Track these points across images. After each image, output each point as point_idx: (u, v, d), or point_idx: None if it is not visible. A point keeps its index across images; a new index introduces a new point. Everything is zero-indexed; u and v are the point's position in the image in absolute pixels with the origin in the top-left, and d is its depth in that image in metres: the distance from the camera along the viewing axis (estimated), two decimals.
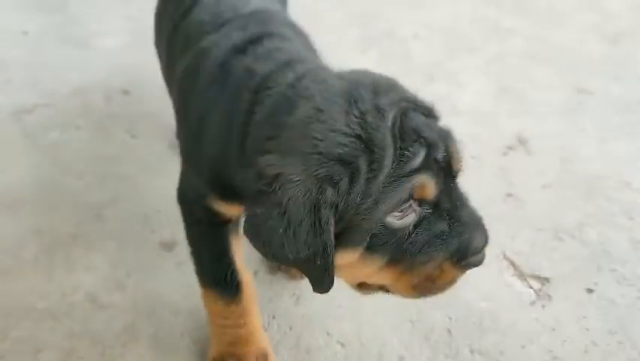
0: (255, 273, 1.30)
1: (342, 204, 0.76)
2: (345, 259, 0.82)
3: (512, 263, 1.34)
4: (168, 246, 1.39)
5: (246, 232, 0.82)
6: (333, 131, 0.77)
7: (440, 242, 0.82)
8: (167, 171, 1.56)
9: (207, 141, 0.97)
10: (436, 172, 0.80)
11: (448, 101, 1.85)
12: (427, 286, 0.85)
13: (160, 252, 1.37)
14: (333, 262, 0.78)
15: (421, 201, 0.80)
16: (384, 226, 0.79)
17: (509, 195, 1.53)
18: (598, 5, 2.53)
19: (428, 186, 0.79)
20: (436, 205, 0.81)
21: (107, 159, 1.63)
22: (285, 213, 0.76)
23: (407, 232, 0.81)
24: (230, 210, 1.02)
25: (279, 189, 0.76)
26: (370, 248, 0.81)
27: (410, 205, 0.79)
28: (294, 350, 1.17)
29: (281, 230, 0.76)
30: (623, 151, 1.68)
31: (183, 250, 1.31)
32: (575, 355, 1.16)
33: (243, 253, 1.10)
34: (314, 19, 2.13)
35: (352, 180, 0.75)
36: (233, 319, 1.10)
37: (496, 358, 1.15)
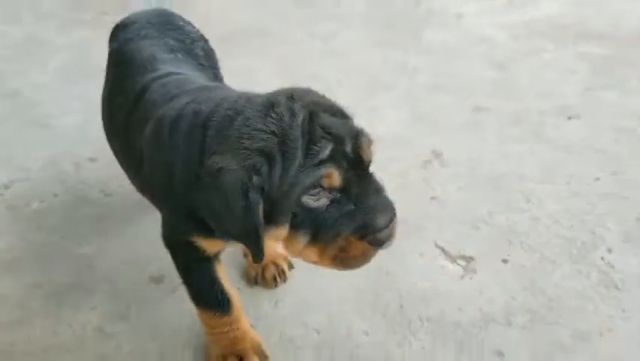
0: (238, 288, 1.55)
1: (267, 186, 0.98)
2: (277, 235, 1.04)
3: (443, 250, 1.66)
4: (157, 279, 1.62)
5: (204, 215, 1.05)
6: (255, 130, 0.99)
7: (347, 220, 1.02)
8: (143, 219, 1.80)
9: (177, 181, 1.12)
10: (342, 163, 1.00)
11: (370, 130, 2.18)
12: (344, 258, 1.05)
13: (151, 285, 1.60)
14: (262, 237, 1.00)
15: (331, 188, 1.01)
16: (302, 206, 1.00)
17: (433, 198, 1.86)
18: (484, 38, 2.99)
19: (334, 175, 0.99)
20: (345, 190, 1.02)
21: (88, 218, 1.85)
22: (225, 198, 0.98)
23: (321, 212, 1.02)
24: (210, 246, 1.23)
25: (220, 179, 0.98)
26: (294, 227, 1.03)
27: (322, 190, 1.00)
28: (279, 342, 1.42)
29: (224, 212, 1.00)
30: (517, 153, 2.06)
31: (172, 280, 1.56)
32: (499, 309, 1.47)
33: (226, 275, 1.34)
34: (249, 74, 2.46)
35: (271, 167, 0.97)
36: (227, 326, 1.34)
37: (439, 320, 1.45)
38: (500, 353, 1.36)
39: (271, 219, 1.01)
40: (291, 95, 1.04)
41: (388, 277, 1.57)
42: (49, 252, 1.73)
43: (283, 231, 1.03)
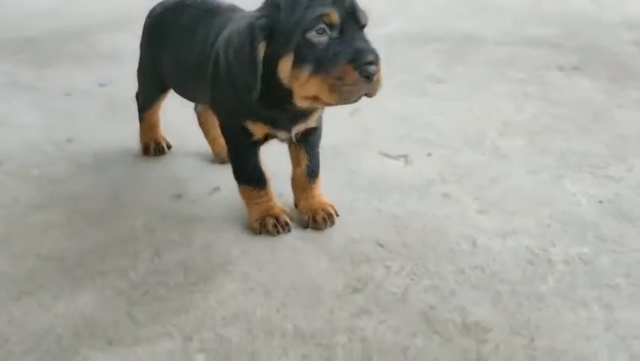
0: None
1: (277, 26, 1.40)
2: (284, 66, 1.41)
3: (386, 155, 2.28)
4: (178, 195, 2.01)
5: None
6: None
7: (343, 53, 1.36)
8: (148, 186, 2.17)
9: (233, 77, 1.57)
10: (341, 10, 1.38)
11: None
12: (339, 87, 1.37)
13: (175, 202, 1.98)
14: (259, 69, 1.42)
15: (331, 27, 1.38)
16: (306, 41, 1.37)
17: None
18: None
19: (333, 14, 1.37)
20: (341, 34, 1.39)
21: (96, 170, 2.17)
22: (239, 41, 1.46)
23: (322, 47, 1.37)
24: (257, 129, 1.66)
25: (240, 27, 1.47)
26: (299, 59, 1.39)
27: (323, 29, 1.37)
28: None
29: (238, 51, 1.47)
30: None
31: (191, 196, 1.97)
32: (424, 180, 2.11)
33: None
34: None
35: (279, 10, 1.41)
36: (262, 198, 1.80)
37: (395, 200, 2.04)
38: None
39: (280, 53, 1.42)
40: None
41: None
42: (73, 196, 2.01)
43: (289, 60, 1.41)
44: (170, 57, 1.96)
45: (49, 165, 2.21)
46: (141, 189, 2.04)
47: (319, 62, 1.40)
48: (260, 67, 1.44)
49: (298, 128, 1.71)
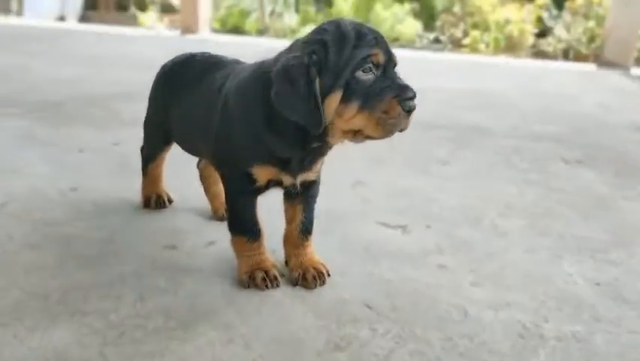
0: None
1: (326, 63, 1.44)
2: (332, 101, 1.46)
3: (385, 224, 2.28)
4: (172, 246, 2.00)
5: (275, 103, 1.49)
6: (312, 35, 1.51)
7: (389, 89, 1.46)
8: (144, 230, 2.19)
9: (248, 119, 1.62)
10: (384, 50, 1.48)
11: None
12: (385, 120, 1.46)
13: (167, 252, 1.97)
14: (320, 106, 1.45)
15: (377, 66, 1.47)
16: (355, 79, 1.44)
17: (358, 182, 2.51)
18: None
19: (379, 53, 1.47)
20: (384, 73, 1.48)
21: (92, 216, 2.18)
22: (290, 78, 1.45)
23: (369, 84, 1.46)
24: (263, 174, 1.66)
25: (287, 65, 1.47)
26: (347, 96, 1.45)
27: (370, 68, 1.45)
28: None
29: (291, 91, 1.45)
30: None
31: (185, 248, 1.97)
32: (420, 250, 2.09)
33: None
34: None
35: (327, 51, 1.45)
36: (255, 250, 1.79)
37: (389, 266, 2.02)
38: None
39: (328, 91, 1.46)
40: (338, 18, 1.58)
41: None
42: (68, 239, 2.02)
43: (337, 96, 1.46)
44: (175, 110, 2.02)
45: (50, 210, 2.24)
46: (136, 238, 2.04)
47: (367, 98, 1.47)
48: (320, 101, 1.47)
49: (304, 177, 1.73)
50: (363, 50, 1.47)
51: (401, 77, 1.54)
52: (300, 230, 1.83)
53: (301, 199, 1.82)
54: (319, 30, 1.54)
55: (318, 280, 1.77)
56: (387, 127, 1.49)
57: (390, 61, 1.52)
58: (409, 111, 1.48)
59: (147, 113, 2.21)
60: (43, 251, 1.91)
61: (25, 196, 2.35)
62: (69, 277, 1.77)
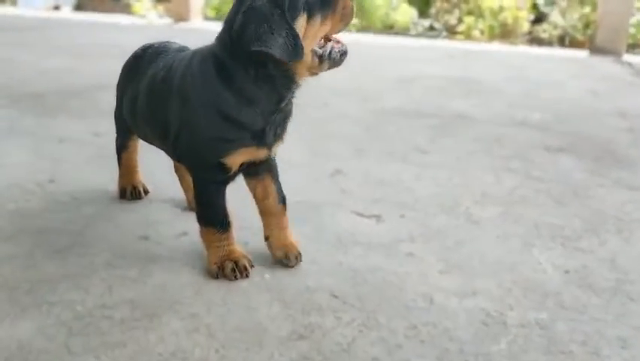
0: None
1: (286, 2, 1.52)
2: (301, 24, 1.55)
3: (359, 214, 2.29)
4: (145, 237, 2.01)
5: (251, 44, 1.53)
6: None
7: None
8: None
9: (215, 104, 1.64)
10: None
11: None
12: (345, 12, 1.61)
13: (140, 243, 1.99)
14: (298, 33, 1.53)
15: None
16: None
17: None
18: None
19: None
20: None
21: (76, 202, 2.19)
22: (264, 15, 1.52)
23: None
24: (237, 160, 1.69)
25: (256, 5, 1.53)
26: (309, 13, 1.56)
27: None
28: None
29: (268, 25, 1.51)
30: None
31: (157, 239, 1.98)
32: (392, 239, 2.10)
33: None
34: None
35: None
36: (224, 241, 1.80)
37: (358, 255, 2.04)
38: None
39: (294, 18, 1.55)
40: None
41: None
42: (41, 230, 2.03)
43: (304, 18, 1.56)
44: (127, 101, 2.06)
45: (26, 202, 2.25)
46: (109, 229, 2.06)
47: (323, 6, 1.60)
48: (295, 28, 1.55)
49: (276, 146, 1.77)
50: None
51: None
52: (278, 200, 1.88)
53: (267, 169, 1.84)
54: None
55: (299, 258, 1.86)
56: (347, 18, 1.63)
57: None
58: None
59: (116, 104, 2.22)
60: (15, 243, 1.92)
61: (2, 187, 2.36)
62: (39, 268, 1.78)
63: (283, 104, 1.69)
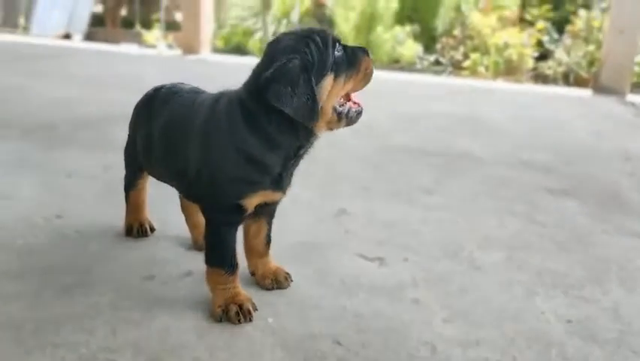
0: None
1: (313, 60, 1.65)
2: (326, 84, 1.67)
3: (363, 256, 2.30)
4: (150, 277, 2.03)
5: (272, 100, 1.62)
6: (295, 41, 1.70)
7: (357, 51, 1.76)
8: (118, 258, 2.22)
9: (243, 148, 1.71)
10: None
11: None
12: (367, 72, 1.76)
13: (145, 283, 2.00)
14: (317, 98, 1.63)
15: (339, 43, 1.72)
16: (335, 60, 1.69)
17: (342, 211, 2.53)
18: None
19: (334, 34, 1.73)
20: (345, 50, 1.73)
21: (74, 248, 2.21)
22: (291, 77, 1.61)
23: (345, 56, 1.72)
24: (254, 201, 1.76)
25: (286, 66, 1.62)
26: (336, 73, 1.69)
27: (337, 45, 1.71)
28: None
29: (292, 89, 1.60)
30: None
31: (162, 279, 1.99)
32: (396, 284, 2.11)
33: None
34: None
35: (312, 50, 1.66)
36: (230, 284, 1.82)
37: (362, 300, 2.04)
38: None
39: (321, 78, 1.66)
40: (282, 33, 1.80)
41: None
42: (48, 268, 2.05)
43: (330, 78, 1.68)
44: (140, 142, 2.11)
45: (33, 237, 2.27)
46: (115, 268, 2.07)
47: (350, 66, 1.74)
48: (317, 97, 1.66)
49: (289, 188, 1.86)
50: (328, 38, 1.71)
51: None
52: (266, 242, 2.00)
53: (267, 213, 1.94)
54: (290, 39, 1.71)
55: (289, 279, 2.00)
56: (368, 77, 1.79)
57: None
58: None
59: (127, 140, 2.26)
60: (22, 281, 1.94)
61: (10, 223, 2.39)
62: (45, 307, 1.80)
63: (302, 152, 1.79)
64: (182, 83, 2.13)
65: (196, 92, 2.01)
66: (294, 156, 1.77)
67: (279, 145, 1.72)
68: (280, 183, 1.79)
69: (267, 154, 1.72)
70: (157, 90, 2.12)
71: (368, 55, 1.79)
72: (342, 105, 1.76)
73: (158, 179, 2.14)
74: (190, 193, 1.96)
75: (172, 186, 2.07)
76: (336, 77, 1.71)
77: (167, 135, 1.95)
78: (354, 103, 1.78)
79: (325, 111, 1.71)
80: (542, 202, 3.08)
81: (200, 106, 1.86)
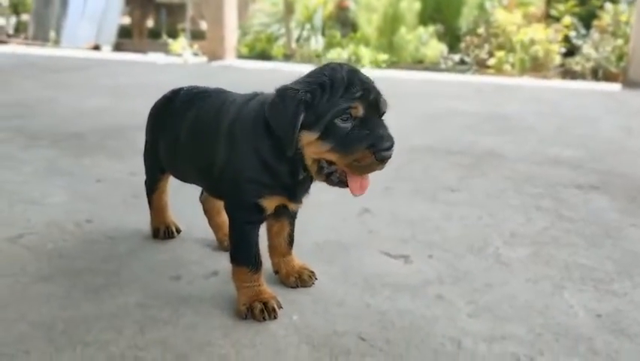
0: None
1: (315, 104, 1.61)
2: (308, 137, 1.63)
3: (387, 254, 2.30)
4: (177, 277, 2.06)
5: (267, 113, 1.67)
6: (315, 75, 1.67)
7: (364, 139, 1.60)
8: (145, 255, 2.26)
9: (257, 150, 1.74)
10: (366, 103, 1.62)
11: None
12: (357, 166, 1.62)
13: (172, 283, 2.04)
14: (297, 134, 1.62)
15: (355, 118, 1.62)
16: (333, 124, 1.60)
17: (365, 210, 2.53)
18: None
19: (359, 107, 1.61)
20: (363, 123, 1.62)
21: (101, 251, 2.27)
22: (284, 104, 1.64)
23: (345, 132, 1.60)
24: (270, 203, 1.79)
25: (284, 93, 1.66)
26: (323, 136, 1.61)
27: (349, 117, 1.61)
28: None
29: (282, 113, 1.64)
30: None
31: (189, 279, 2.02)
32: (420, 281, 2.10)
33: None
34: None
35: (322, 93, 1.61)
36: (254, 281, 1.84)
37: (387, 297, 2.04)
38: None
39: (310, 127, 1.63)
40: (339, 63, 1.73)
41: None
42: (78, 270, 2.10)
43: (314, 136, 1.63)
44: (163, 142, 2.14)
45: (64, 242, 2.33)
46: (142, 269, 2.11)
47: (341, 143, 1.63)
48: (297, 132, 1.64)
49: (305, 199, 1.88)
50: (346, 101, 1.62)
51: (385, 125, 1.67)
52: (288, 242, 2.01)
53: (288, 214, 1.95)
54: (320, 72, 1.70)
55: (313, 278, 2.00)
56: (358, 170, 1.66)
57: (374, 110, 1.67)
58: (382, 160, 1.63)
59: (144, 145, 2.30)
60: (53, 283, 1.99)
61: (42, 228, 2.45)
62: (75, 308, 1.84)
63: (299, 178, 1.78)
64: (200, 86, 2.16)
65: (224, 92, 2.04)
66: (295, 180, 1.78)
67: (283, 158, 1.73)
68: (294, 193, 1.81)
69: (276, 162, 1.74)
70: (176, 93, 2.16)
71: (377, 152, 1.61)
72: (331, 165, 1.70)
73: (181, 179, 2.18)
74: (215, 191, 2.00)
75: (197, 184, 2.11)
76: (322, 139, 1.64)
77: (195, 134, 1.97)
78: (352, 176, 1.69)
79: (306, 155, 1.69)
80: (570, 198, 3.03)
81: (230, 105, 1.89)
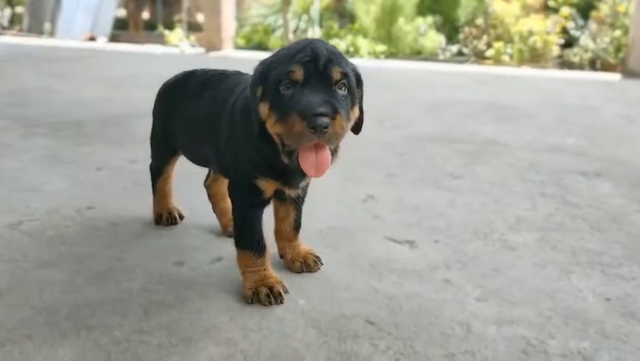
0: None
1: (266, 77, 1.59)
2: (264, 109, 1.59)
3: (393, 240, 2.27)
4: (180, 262, 2.04)
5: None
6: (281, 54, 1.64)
7: (295, 105, 1.49)
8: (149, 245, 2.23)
9: (249, 132, 1.68)
10: (311, 69, 1.51)
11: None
12: (289, 134, 1.51)
13: (175, 268, 2.01)
14: (256, 106, 1.61)
15: (296, 82, 1.53)
16: (278, 92, 1.54)
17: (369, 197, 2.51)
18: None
19: (297, 71, 1.52)
20: (308, 89, 1.51)
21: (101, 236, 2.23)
22: (250, 84, 1.65)
23: (286, 99, 1.53)
24: (268, 186, 1.76)
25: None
26: (272, 107, 1.57)
27: (288, 84, 1.53)
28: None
29: (249, 92, 1.65)
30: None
31: (192, 265, 1.99)
32: (427, 265, 2.08)
33: None
34: None
35: (277, 63, 1.59)
36: (259, 266, 1.82)
37: (394, 281, 2.02)
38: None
39: (263, 98, 1.61)
40: (312, 38, 1.68)
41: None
42: (80, 256, 2.07)
43: (265, 107, 1.60)
44: (177, 122, 2.10)
45: (65, 228, 2.30)
46: (146, 255, 2.08)
47: (281, 111, 1.55)
48: (257, 105, 1.62)
49: (304, 184, 1.85)
50: (287, 67, 1.55)
51: (331, 92, 1.54)
52: (294, 227, 1.99)
53: (293, 200, 1.93)
54: (281, 48, 1.70)
55: (318, 263, 1.98)
56: (294, 139, 1.53)
57: (321, 77, 1.54)
58: (315, 128, 1.47)
59: (152, 128, 2.27)
60: (55, 269, 1.96)
61: (42, 214, 2.42)
62: (78, 293, 1.81)
63: (286, 162, 1.63)
64: (215, 69, 2.14)
65: (240, 74, 2.02)
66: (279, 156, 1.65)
67: (264, 138, 1.67)
68: (286, 177, 1.76)
69: (260, 142, 1.69)
70: (188, 74, 2.14)
71: (307, 118, 1.47)
72: (293, 145, 1.57)
73: (194, 161, 2.17)
74: (223, 172, 1.98)
75: (210, 167, 2.11)
76: (271, 110, 1.59)
77: (210, 114, 1.94)
78: (311, 149, 1.55)
79: (272, 131, 1.61)
80: (574, 184, 3.01)
81: (238, 86, 1.88)
